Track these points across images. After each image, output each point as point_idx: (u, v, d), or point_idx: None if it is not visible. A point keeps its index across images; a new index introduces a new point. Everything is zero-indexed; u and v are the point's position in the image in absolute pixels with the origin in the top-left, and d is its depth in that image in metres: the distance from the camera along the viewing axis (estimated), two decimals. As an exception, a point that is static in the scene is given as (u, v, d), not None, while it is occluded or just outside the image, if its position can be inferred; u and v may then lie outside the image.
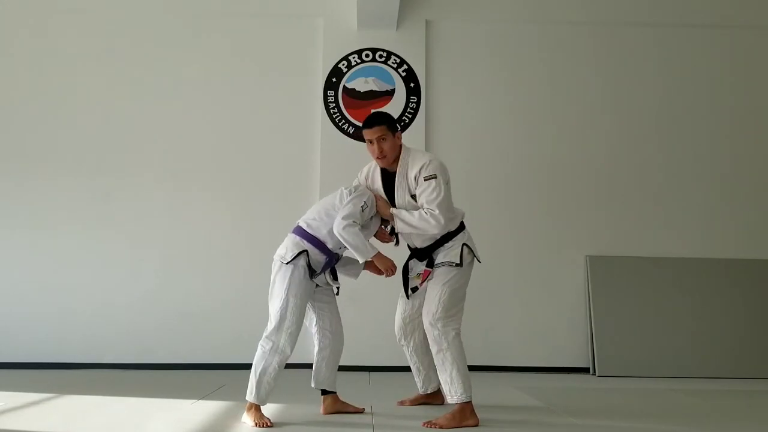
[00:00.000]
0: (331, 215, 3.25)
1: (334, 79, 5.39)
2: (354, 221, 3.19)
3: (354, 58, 5.41)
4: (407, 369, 3.59)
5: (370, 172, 3.48)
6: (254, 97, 5.39)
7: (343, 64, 5.41)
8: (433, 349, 3.26)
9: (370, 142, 3.34)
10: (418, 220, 3.23)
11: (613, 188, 5.45)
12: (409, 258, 3.50)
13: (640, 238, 5.39)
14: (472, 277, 3.40)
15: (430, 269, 3.35)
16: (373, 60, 5.42)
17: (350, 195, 3.29)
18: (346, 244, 3.20)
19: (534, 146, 5.44)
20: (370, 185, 3.44)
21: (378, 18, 5.25)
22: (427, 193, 3.23)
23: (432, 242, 3.35)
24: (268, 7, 5.46)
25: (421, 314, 3.38)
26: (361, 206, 3.25)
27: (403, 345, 3.59)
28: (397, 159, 3.35)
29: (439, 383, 3.38)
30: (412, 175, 3.28)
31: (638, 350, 5.14)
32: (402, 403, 3.67)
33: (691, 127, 5.52)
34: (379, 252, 3.27)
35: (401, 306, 3.56)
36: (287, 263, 3.18)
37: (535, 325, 5.28)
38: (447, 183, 3.29)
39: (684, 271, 5.33)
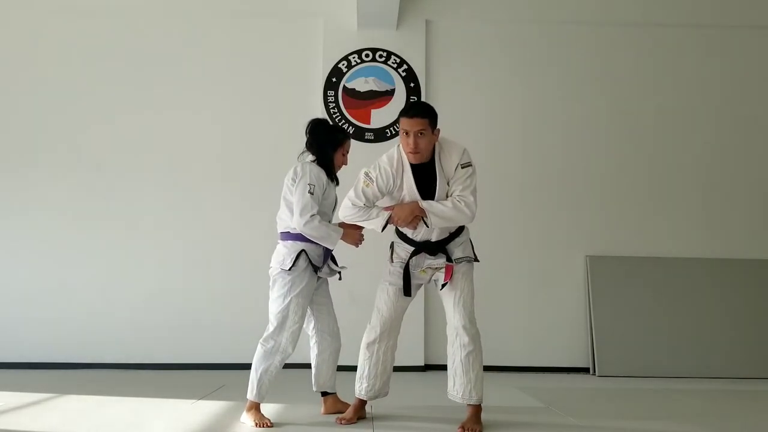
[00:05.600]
0: (292, 209, 3.19)
1: (334, 79, 5.39)
2: (311, 215, 3.12)
3: (354, 58, 5.41)
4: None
5: (401, 162, 3.10)
6: (254, 97, 5.38)
7: (343, 64, 5.40)
8: (465, 348, 3.09)
9: (406, 134, 3.02)
10: (452, 211, 3.02)
11: (613, 188, 5.44)
12: (414, 254, 3.16)
13: (640, 238, 5.39)
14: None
15: (452, 264, 3.12)
16: (373, 60, 5.42)
17: (294, 184, 3.19)
18: (312, 239, 3.17)
19: (534, 146, 5.44)
20: (399, 176, 3.09)
21: (378, 18, 5.24)
22: (462, 179, 3.06)
23: (447, 235, 3.15)
24: (268, 6, 5.46)
25: (403, 312, 3.24)
26: (308, 190, 3.15)
27: (376, 343, 3.21)
28: (431, 153, 3.09)
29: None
30: (453, 165, 3.07)
31: (638, 350, 5.14)
32: (350, 420, 3.20)
33: (690, 127, 5.52)
34: (344, 230, 3.19)
35: (398, 301, 3.19)
36: (289, 269, 3.17)
37: (535, 325, 5.28)
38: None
39: (684, 271, 5.33)
